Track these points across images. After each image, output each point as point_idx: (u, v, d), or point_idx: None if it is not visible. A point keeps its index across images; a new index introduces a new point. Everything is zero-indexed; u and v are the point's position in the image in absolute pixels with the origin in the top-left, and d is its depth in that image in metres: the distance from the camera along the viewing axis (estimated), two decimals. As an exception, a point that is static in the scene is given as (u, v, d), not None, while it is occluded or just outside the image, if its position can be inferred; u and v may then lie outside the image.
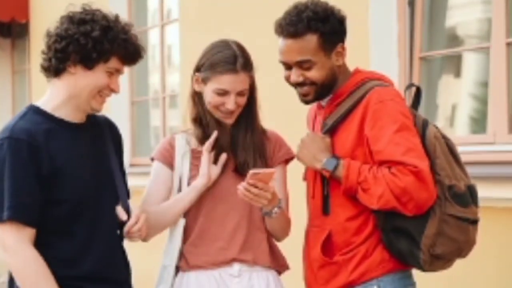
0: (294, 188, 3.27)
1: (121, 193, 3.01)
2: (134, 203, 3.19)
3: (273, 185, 2.99)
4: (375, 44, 4.77)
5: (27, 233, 2.77)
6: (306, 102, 3.04)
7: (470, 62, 4.80)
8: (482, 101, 4.56)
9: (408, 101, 3.15)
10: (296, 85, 2.98)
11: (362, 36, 4.71)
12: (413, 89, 3.14)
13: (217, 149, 3.16)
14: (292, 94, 3.05)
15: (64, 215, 2.83)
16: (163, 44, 7.69)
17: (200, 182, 3.13)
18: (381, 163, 2.83)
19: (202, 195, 3.15)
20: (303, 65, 2.94)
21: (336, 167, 2.89)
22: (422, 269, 2.90)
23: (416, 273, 3.01)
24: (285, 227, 3.21)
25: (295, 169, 3.21)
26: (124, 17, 2.97)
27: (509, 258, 3.95)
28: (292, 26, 2.92)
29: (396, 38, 4.71)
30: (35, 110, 2.89)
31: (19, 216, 2.75)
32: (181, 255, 3.18)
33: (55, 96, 2.91)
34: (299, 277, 3.13)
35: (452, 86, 4.89)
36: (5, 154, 2.77)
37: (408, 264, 2.93)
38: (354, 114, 2.93)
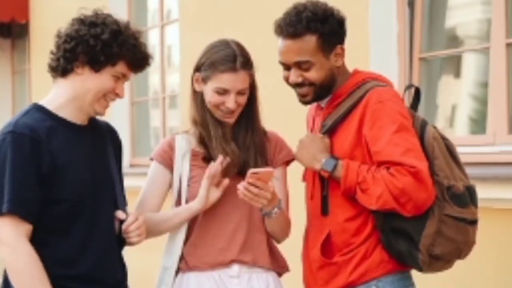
0: (294, 189, 3.27)
1: (119, 197, 3.02)
2: (133, 204, 3.20)
3: (273, 185, 2.99)
4: (375, 45, 4.77)
5: (25, 228, 2.77)
6: (305, 103, 3.04)
7: (470, 63, 4.80)
8: (482, 101, 4.56)
9: (408, 102, 3.16)
10: (295, 85, 2.99)
11: (362, 37, 4.71)
12: (413, 89, 3.14)
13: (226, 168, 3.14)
14: (292, 94, 3.05)
15: (63, 215, 2.83)
16: (163, 45, 7.69)
17: (196, 206, 3.12)
18: (379, 163, 2.84)
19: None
20: (302, 65, 2.94)
21: (335, 168, 2.89)
22: (421, 270, 2.90)
23: (415, 273, 3.01)
24: (285, 228, 3.21)
25: (295, 170, 3.21)
26: (124, 17, 2.98)
27: (509, 259, 3.95)
28: (291, 26, 2.92)
29: (396, 38, 4.71)
30: (38, 108, 2.91)
31: (18, 210, 2.75)
32: (181, 256, 3.18)
33: (60, 95, 2.92)
34: (299, 278, 3.13)
35: (452, 87, 4.89)
36: (7, 148, 2.78)
37: (407, 265, 2.93)
38: (353, 115, 2.93)
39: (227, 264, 3.14)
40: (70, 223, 2.84)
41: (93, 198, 2.89)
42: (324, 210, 2.98)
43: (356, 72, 3.06)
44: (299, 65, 2.95)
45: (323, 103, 3.05)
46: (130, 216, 2.98)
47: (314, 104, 3.11)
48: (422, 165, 2.78)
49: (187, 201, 3.17)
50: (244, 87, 3.13)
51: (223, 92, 3.11)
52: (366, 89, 2.95)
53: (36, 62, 9.93)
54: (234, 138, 3.19)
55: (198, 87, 3.19)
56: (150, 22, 8.12)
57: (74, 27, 2.88)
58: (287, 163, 3.26)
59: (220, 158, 3.08)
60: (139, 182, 3.41)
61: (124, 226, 2.97)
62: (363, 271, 2.91)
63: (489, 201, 3.82)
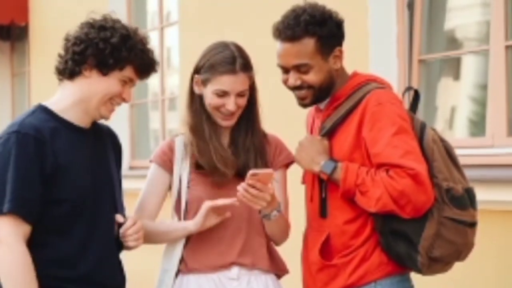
0: (294, 192, 3.27)
1: (118, 200, 3.03)
2: (132, 206, 3.20)
3: (272, 187, 2.99)
4: (374, 47, 4.77)
5: (23, 229, 2.77)
6: (304, 106, 3.04)
7: (469, 65, 4.80)
8: (481, 103, 4.56)
9: (407, 104, 3.16)
10: (294, 88, 2.99)
11: (361, 39, 4.71)
12: (412, 91, 3.14)
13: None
14: (292, 95, 3.04)
15: (63, 215, 2.84)
16: (163, 46, 7.69)
17: (191, 228, 3.12)
18: (379, 165, 2.84)
19: (202, 197, 3.14)
20: (300, 68, 2.95)
21: (334, 170, 2.89)
22: (420, 272, 2.90)
23: (414, 276, 3.01)
24: (284, 231, 3.21)
25: (295, 172, 3.21)
26: (123, 19, 2.99)
27: (508, 260, 3.95)
28: (289, 29, 2.92)
29: (395, 40, 4.71)
30: (43, 109, 2.92)
31: (19, 210, 2.75)
32: (181, 258, 3.18)
33: (65, 97, 2.93)
34: (298, 280, 3.13)
35: (451, 89, 4.89)
36: (11, 147, 2.78)
37: (406, 267, 2.93)
38: (352, 117, 2.93)
39: (227, 266, 3.14)
40: (70, 223, 2.85)
41: (93, 199, 2.90)
42: (323, 213, 2.98)
43: (355, 74, 3.06)
44: (297, 68, 2.95)
45: (322, 105, 3.05)
46: (129, 220, 2.99)
47: (313, 106, 3.11)
48: (421, 168, 2.79)
49: (186, 203, 3.18)
50: (244, 89, 3.13)
51: (222, 94, 3.11)
52: (365, 91, 2.95)
53: (35, 64, 9.93)
54: (234, 140, 3.20)
55: (198, 90, 3.19)
56: (150, 24, 8.12)
57: (84, 30, 2.90)
58: (287, 165, 3.26)
59: (229, 200, 3.04)
60: (139, 184, 3.41)
61: (122, 230, 2.98)
62: (362, 273, 2.91)
63: (488, 203, 3.81)
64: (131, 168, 7.76)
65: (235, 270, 3.14)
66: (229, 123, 3.17)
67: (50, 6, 9.56)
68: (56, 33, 9.74)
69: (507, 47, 4.18)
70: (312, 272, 3.02)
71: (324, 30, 2.93)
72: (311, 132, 3.13)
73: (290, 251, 3.31)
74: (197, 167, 3.18)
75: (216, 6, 6.36)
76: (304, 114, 3.27)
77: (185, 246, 3.18)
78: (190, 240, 3.17)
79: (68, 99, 2.92)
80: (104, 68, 2.87)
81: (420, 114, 4.12)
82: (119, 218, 2.99)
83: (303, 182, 3.13)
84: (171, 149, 3.23)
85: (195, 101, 3.20)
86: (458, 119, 4.85)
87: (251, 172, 2.92)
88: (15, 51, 11.28)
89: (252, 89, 3.19)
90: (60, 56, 2.94)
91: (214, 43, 3.20)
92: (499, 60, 4.20)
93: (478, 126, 4.65)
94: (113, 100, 2.93)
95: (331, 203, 2.97)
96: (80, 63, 2.88)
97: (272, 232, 3.18)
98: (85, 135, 2.94)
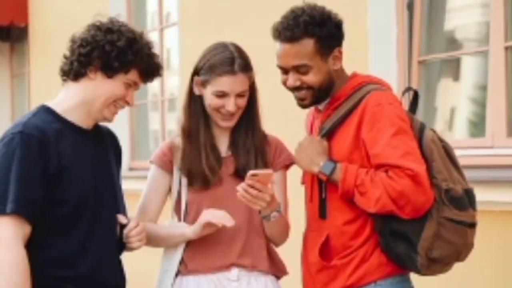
0: (293, 192, 3.27)
1: (119, 201, 3.03)
2: (132, 207, 3.20)
3: (272, 187, 2.99)
4: (373, 48, 4.77)
5: (24, 230, 2.77)
6: (303, 107, 3.04)
7: (469, 66, 4.80)
8: (481, 104, 4.56)
9: (406, 105, 3.16)
10: (293, 89, 2.99)
11: (360, 40, 4.71)
12: (411, 92, 3.14)
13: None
14: (292, 95, 3.04)
15: (65, 216, 2.84)
16: (162, 47, 7.69)
17: (189, 235, 3.12)
18: (378, 166, 2.84)
19: (202, 199, 3.15)
20: (300, 69, 2.95)
21: (333, 171, 2.89)
22: (420, 272, 2.90)
23: (414, 276, 3.01)
24: (284, 232, 3.21)
25: (295, 173, 3.21)
26: (123, 20, 2.99)
27: (507, 261, 3.95)
28: (288, 30, 2.92)
29: (395, 41, 4.71)
30: (46, 110, 2.93)
31: (22, 211, 2.76)
32: (181, 259, 3.18)
33: (69, 99, 2.94)
34: (298, 281, 3.13)
35: (450, 90, 4.89)
36: (15, 148, 2.79)
37: (406, 268, 2.93)
38: (351, 118, 2.93)
39: (227, 267, 3.14)
40: (71, 224, 2.85)
41: (94, 200, 2.90)
42: (322, 213, 2.98)
43: (354, 75, 3.06)
44: (297, 69, 2.95)
45: (322, 106, 3.05)
46: (132, 221, 3.00)
47: (313, 107, 3.11)
48: (420, 168, 2.79)
49: (186, 204, 3.18)
50: (243, 90, 3.13)
51: (222, 95, 3.11)
52: (364, 92, 2.95)
53: (35, 65, 9.93)
54: (234, 140, 3.20)
55: (197, 91, 3.19)
56: (149, 25, 8.12)
57: (91, 32, 2.91)
58: (287, 167, 3.26)
59: (228, 222, 3.04)
60: (138, 185, 3.42)
61: (126, 231, 2.99)
62: (361, 274, 2.91)
63: (488, 203, 3.82)
64: (131, 169, 7.76)
65: (234, 272, 3.14)
66: (229, 124, 3.16)
67: (50, 7, 9.56)
68: (55, 34, 9.79)
69: (506, 47, 4.18)
70: (311, 273, 3.02)
71: (323, 31, 2.93)
72: (311, 133, 3.13)
73: (290, 252, 3.31)
74: None
75: (216, 6, 6.36)
76: (304, 114, 3.27)
77: (185, 247, 3.18)
78: (190, 241, 3.17)
79: (72, 100, 2.93)
80: (110, 71, 2.88)
81: (420, 115, 4.13)
82: (121, 219, 2.99)
83: (303, 182, 3.13)
84: (171, 150, 3.23)
85: (194, 102, 3.20)
86: (458, 120, 4.85)
87: (251, 172, 2.92)
88: (15, 52, 11.28)
89: (252, 89, 3.19)
90: (65, 57, 2.95)
91: (214, 44, 3.20)
92: (498, 60, 4.20)
93: (478, 126, 4.65)
94: (117, 103, 2.94)
95: (330, 203, 2.97)
96: (86, 64, 2.89)
97: (271, 233, 3.18)
98: (87, 136, 2.95)
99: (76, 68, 2.90)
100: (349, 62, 3.09)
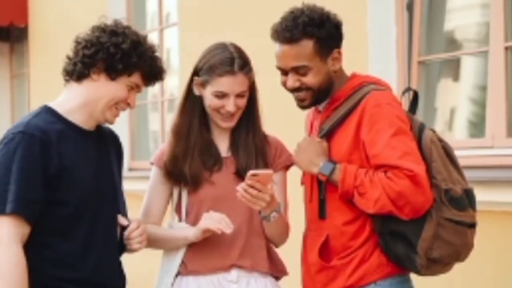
0: (293, 193, 3.27)
1: (120, 202, 3.03)
2: (132, 208, 3.20)
3: (272, 188, 2.99)
4: (373, 48, 4.77)
5: (23, 230, 2.77)
6: (303, 107, 3.04)
7: (469, 66, 4.80)
8: (481, 105, 4.56)
9: (406, 105, 3.16)
10: (293, 90, 2.99)
11: (360, 40, 4.71)
12: (411, 93, 3.14)
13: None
14: (292, 96, 3.04)
15: (66, 216, 2.84)
16: (162, 48, 7.69)
17: (191, 238, 3.12)
18: (377, 167, 2.84)
19: (202, 199, 3.15)
20: (299, 70, 2.94)
21: (332, 171, 2.89)
22: (419, 273, 2.90)
23: (414, 276, 3.01)
24: (284, 233, 3.21)
25: (294, 174, 3.21)
26: (123, 20, 3.00)
27: (507, 261, 3.96)
28: (288, 31, 2.92)
29: (395, 42, 4.71)
30: (48, 110, 2.93)
31: (22, 211, 2.76)
32: (181, 260, 3.18)
33: (71, 99, 2.94)
34: (298, 282, 3.13)
35: (450, 90, 4.89)
36: (16, 147, 2.79)
37: (405, 268, 2.93)
38: (350, 118, 2.93)
39: (227, 268, 3.14)
40: (72, 224, 2.85)
41: (95, 201, 2.90)
42: (322, 214, 2.98)
43: (354, 75, 3.06)
44: (296, 70, 2.95)
45: (321, 106, 3.05)
46: (133, 223, 3.00)
47: (313, 108, 3.11)
48: (419, 169, 2.79)
49: (187, 205, 3.18)
50: (243, 90, 3.13)
51: (222, 95, 3.11)
52: (364, 92, 2.95)
53: (35, 65, 9.93)
54: (235, 141, 3.20)
55: (197, 91, 3.19)
56: (149, 25, 8.12)
57: (95, 34, 2.91)
58: (287, 167, 3.26)
59: (227, 228, 3.03)
60: (138, 185, 3.42)
61: (126, 232, 2.99)
62: (361, 275, 2.91)
63: (488, 204, 3.82)
64: (131, 169, 7.76)
65: (234, 273, 3.14)
66: (230, 124, 3.16)
67: (50, 7, 9.56)
68: (55, 35, 9.78)
69: (506, 48, 4.18)
70: (311, 274, 3.02)
71: (322, 32, 2.93)
72: (311, 133, 3.13)
73: (290, 252, 3.31)
74: None
75: (216, 6, 6.36)
76: (304, 114, 3.27)
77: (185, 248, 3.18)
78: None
79: (74, 101, 2.93)
80: (113, 73, 2.89)
81: (420, 115, 4.12)
82: (122, 220, 2.99)
83: (302, 183, 3.13)
84: (171, 151, 3.23)
85: (189, 103, 3.20)
86: (457, 120, 4.85)
87: (251, 172, 2.92)
88: (15, 53, 11.29)
89: (252, 89, 3.19)
90: (68, 58, 2.95)
91: (213, 44, 3.20)
92: (498, 61, 4.20)
93: (477, 127, 4.65)
94: (118, 105, 2.94)
95: (330, 204, 2.96)
96: (90, 66, 2.89)
97: (271, 233, 3.18)
98: (89, 137, 2.95)
99: (79, 69, 2.90)
100: (348, 63, 3.09)
